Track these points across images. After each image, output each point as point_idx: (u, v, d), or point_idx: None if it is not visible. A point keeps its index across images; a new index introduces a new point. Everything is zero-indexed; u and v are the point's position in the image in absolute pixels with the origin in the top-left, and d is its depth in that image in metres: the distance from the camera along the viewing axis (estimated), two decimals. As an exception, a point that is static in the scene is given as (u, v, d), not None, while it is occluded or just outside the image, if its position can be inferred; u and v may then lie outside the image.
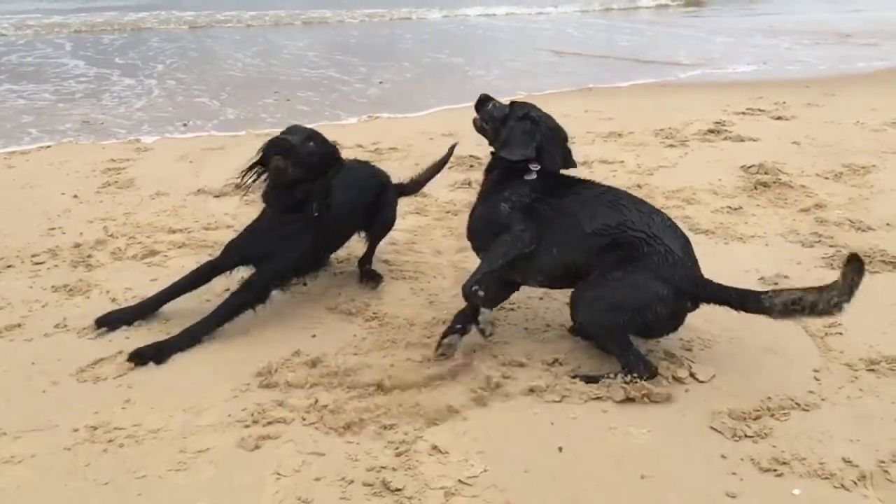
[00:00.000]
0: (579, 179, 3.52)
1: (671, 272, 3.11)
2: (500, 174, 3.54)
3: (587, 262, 3.26)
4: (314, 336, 3.61)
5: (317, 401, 3.09)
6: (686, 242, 3.26)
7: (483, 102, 3.67)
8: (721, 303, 3.16)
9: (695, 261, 3.24)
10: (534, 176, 3.44)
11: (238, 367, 3.31)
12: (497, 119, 3.60)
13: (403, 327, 3.66)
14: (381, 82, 9.93)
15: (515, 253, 3.29)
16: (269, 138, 3.66)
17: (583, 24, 15.88)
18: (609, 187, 3.45)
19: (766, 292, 3.08)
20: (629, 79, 9.82)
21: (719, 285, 3.18)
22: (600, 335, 3.29)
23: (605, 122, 7.02)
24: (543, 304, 3.88)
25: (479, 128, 3.70)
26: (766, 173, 5.52)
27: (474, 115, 3.69)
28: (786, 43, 12.84)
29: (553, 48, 12.50)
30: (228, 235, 4.66)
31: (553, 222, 3.33)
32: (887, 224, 4.66)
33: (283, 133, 3.67)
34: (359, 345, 3.52)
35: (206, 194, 5.39)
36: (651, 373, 3.17)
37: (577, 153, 5.97)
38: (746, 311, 3.12)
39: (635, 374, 3.14)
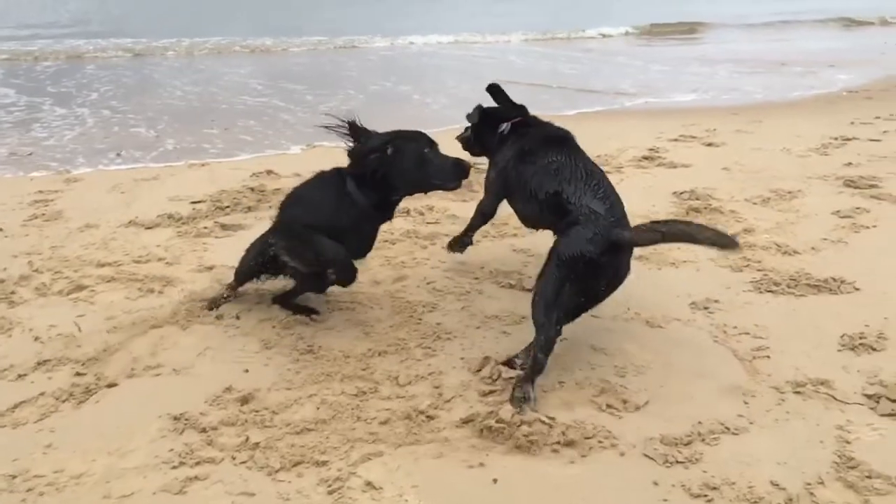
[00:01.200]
0: (547, 144, 3.87)
1: (595, 224, 3.38)
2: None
3: (545, 219, 3.76)
4: (246, 371, 3.54)
5: (248, 439, 3.02)
6: (613, 205, 3.53)
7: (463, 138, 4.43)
8: (635, 244, 3.51)
9: (619, 217, 3.51)
10: (507, 127, 4.11)
11: (166, 406, 3.22)
12: (469, 133, 4.35)
13: (338, 360, 3.61)
14: (326, 113, 9.86)
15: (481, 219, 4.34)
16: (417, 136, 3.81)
17: (525, 53, 16.11)
18: (562, 158, 3.72)
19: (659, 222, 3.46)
20: (575, 107, 9.95)
21: (632, 228, 3.46)
22: (540, 304, 3.36)
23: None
24: (480, 333, 3.87)
25: (473, 152, 4.41)
26: (697, 199, 5.65)
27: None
28: (722, 72, 13.21)
29: (499, 77, 12.60)
30: (160, 268, 4.59)
31: (518, 184, 3.86)
32: (812, 248, 4.79)
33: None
34: (292, 379, 3.46)
35: (138, 226, 5.27)
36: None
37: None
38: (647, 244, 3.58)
39: (540, 353, 3.29)
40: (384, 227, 5.17)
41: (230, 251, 4.83)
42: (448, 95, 11.01)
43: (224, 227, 5.24)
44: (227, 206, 5.58)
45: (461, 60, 14.99)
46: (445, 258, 4.70)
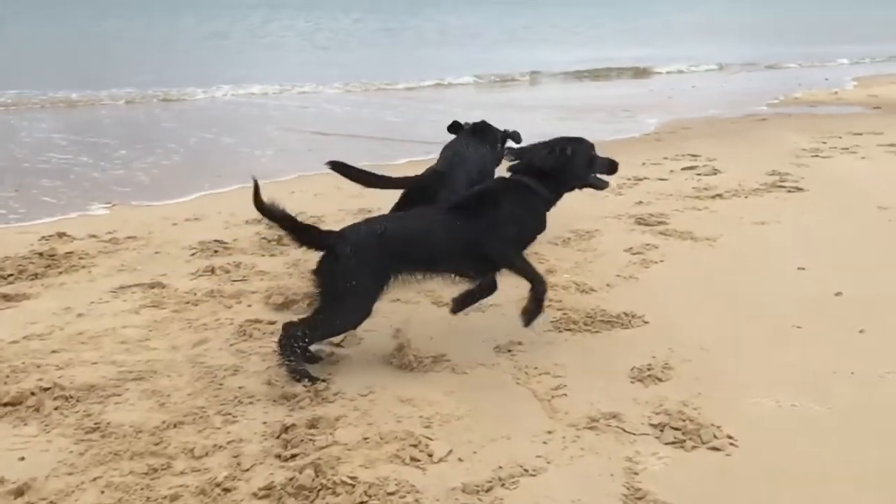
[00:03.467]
0: None
1: None
2: None
3: None
4: (22, 459, 3.21)
5: (19, 536, 2.74)
6: None
7: None
8: None
9: None
10: None
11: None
12: None
13: (128, 436, 3.36)
14: (142, 167, 9.34)
15: None
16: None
17: (349, 102, 16.05)
18: None
19: None
20: (407, 156, 9.88)
21: None
22: None
23: (356, 199, 7.15)
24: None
25: None
26: (504, 243, 5.82)
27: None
28: (539, 118, 13.81)
29: (322, 128, 12.51)
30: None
31: None
32: (607, 285, 5.08)
33: None
34: (75, 462, 3.18)
35: None
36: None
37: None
38: None
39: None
40: (186, 287, 5.02)
41: (13, 324, 4.44)
42: (275, 147, 10.75)
43: (6, 297, 4.81)
44: (11, 275, 5.13)
45: (284, 111, 14.81)
46: (253, 315, 4.57)
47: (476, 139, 5.55)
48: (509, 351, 4.19)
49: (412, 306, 4.80)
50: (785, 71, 22.60)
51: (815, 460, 3.20)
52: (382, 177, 5.13)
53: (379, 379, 3.90)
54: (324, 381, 3.82)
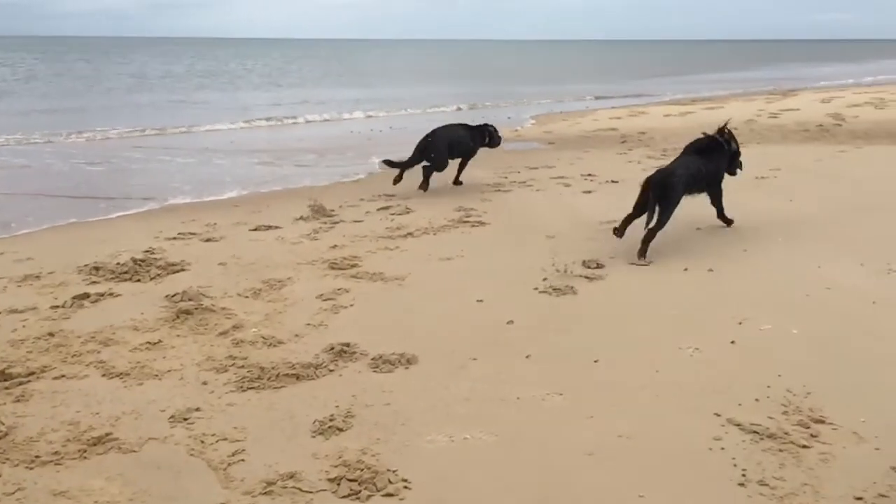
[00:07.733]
0: None
1: None
2: None
3: None
4: None
5: None
6: None
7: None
8: None
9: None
10: None
11: None
12: None
13: None
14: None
15: None
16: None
17: (31, 154, 14.52)
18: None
19: None
20: (108, 213, 9.12)
21: None
22: None
23: (23, 263, 6.40)
24: None
25: None
26: (189, 300, 5.51)
27: None
28: (246, 161, 13.47)
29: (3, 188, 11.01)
30: None
31: None
32: (296, 335, 4.97)
33: None
34: None
35: None
36: None
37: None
38: None
39: None
40: None
41: None
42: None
43: None
44: None
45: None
46: None
47: (471, 129, 10.06)
48: (185, 419, 3.92)
49: (78, 381, 4.34)
50: (479, 111, 24.45)
51: (482, 491, 3.32)
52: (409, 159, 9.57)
53: (30, 473, 3.45)
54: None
